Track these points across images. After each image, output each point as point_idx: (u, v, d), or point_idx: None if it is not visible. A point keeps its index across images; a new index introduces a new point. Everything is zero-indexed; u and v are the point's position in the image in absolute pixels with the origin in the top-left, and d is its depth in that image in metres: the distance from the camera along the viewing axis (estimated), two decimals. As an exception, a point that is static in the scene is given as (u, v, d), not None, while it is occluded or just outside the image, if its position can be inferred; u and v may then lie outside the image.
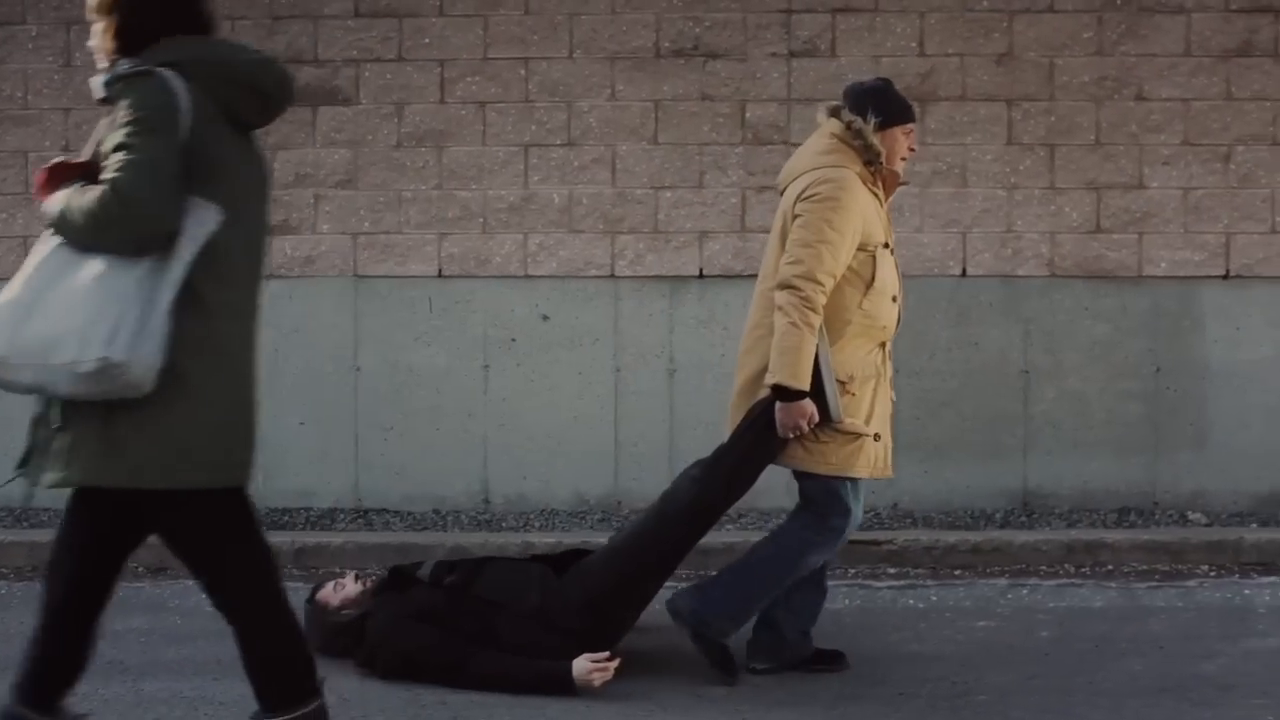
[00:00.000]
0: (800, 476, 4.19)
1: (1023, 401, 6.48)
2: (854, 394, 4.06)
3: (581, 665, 3.98)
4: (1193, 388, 6.49)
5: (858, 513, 4.20)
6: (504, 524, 6.32)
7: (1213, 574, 5.64)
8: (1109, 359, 6.49)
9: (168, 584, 5.41)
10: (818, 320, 3.97)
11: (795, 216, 4.04)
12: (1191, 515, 6.38)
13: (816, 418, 3.99)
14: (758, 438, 4.10)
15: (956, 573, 5.67)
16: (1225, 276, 6.48)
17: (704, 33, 6.47)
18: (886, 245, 4.16)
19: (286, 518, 6.42)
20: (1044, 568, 5.74)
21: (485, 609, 4.14)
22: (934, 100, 6.46)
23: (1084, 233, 6.47)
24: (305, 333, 6.51)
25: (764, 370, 4.06)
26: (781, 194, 4.24)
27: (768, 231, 6.40)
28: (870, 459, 4.12)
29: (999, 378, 6.49)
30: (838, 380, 4.03)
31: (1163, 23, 6.46)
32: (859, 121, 4.11)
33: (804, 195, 4.03)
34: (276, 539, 5.83)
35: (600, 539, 5.88)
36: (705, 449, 6.41)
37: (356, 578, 4.41)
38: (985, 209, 6.47)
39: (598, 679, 3.97)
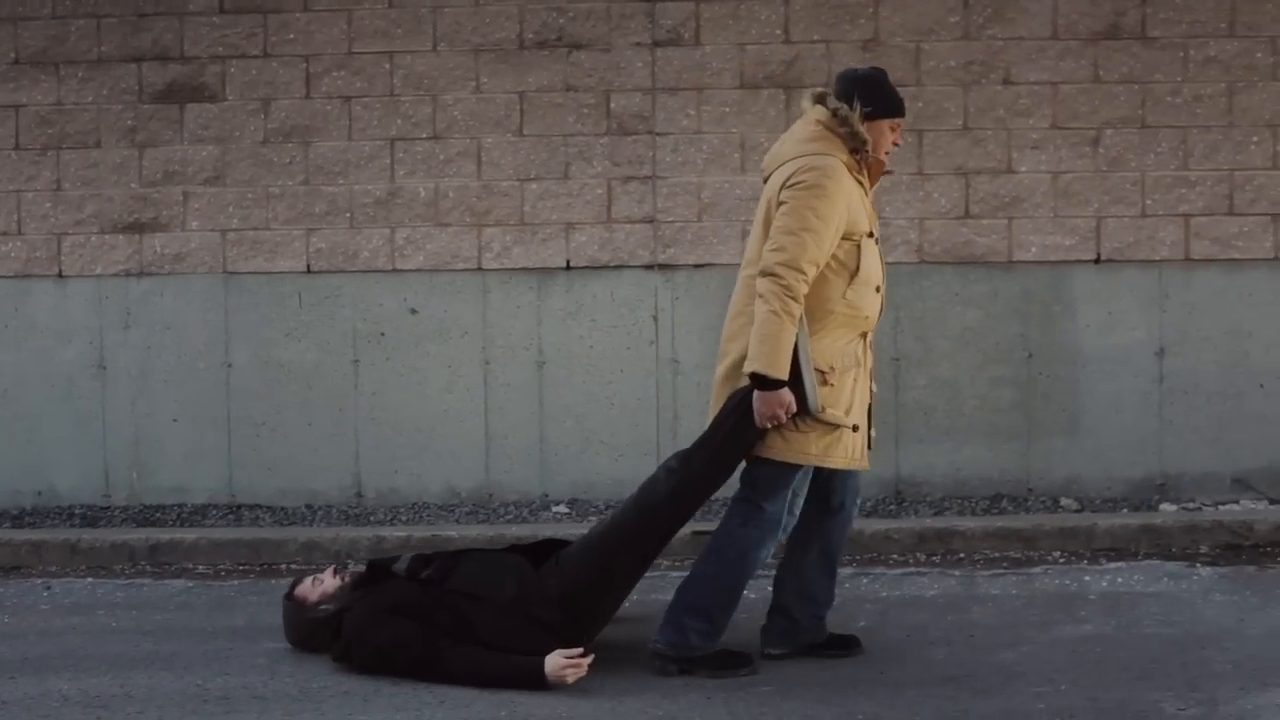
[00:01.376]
0: (749, 464, 4.14)
1: (894, 389, 6.45)
2: (833, 385, 4.02)
3: (555, 661, 3.94)
4: (1065, 373, 6.45)
5: (849, 503, 4.23)
6: (373, 518, 6.33)
7: (1062, 560, 5.61)
8: (980, 345, 6.46)
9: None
10: (798, 309, 3.93)
11: (780, 203, 3.99)
12: (1064, 501, 6.35)
13: (794, 408, 3.96)
14: (735, 427, 4.06)
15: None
16: (1096, 261, 6.43)
17: (568, 23, 6.45)
18: (871, 234, 4.12)
19: (159, 514, 6.44)
20: (895, 556, 5.72)
21: (461, 602, 4.12)
22: (800, 88, 6.39)
23: (953, 218, 6.43)
24: (176, 330, 6.53)
25: (745, 358, 4.01)
26: (765, 181, 4.19)
27: (633, 222, 6.46)
28: (848, 450, 4.10)
29: (869, 365, 6.45)
30: (818, 370, 4.00)
31: (1029, 6, 6.41)
32: (845, 108, 4.06)
33: (789, 182, 3.98)
34: (133, 536, 5.93)
35: (471, 532, 5.94)
36: (575, 441, 6.50)
37: (335, 572, 4.40)
38: (853, 196, 6.43)
39: (571, 675, 3.94)
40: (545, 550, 4.38)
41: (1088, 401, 6.44)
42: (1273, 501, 6.32)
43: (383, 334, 6.50)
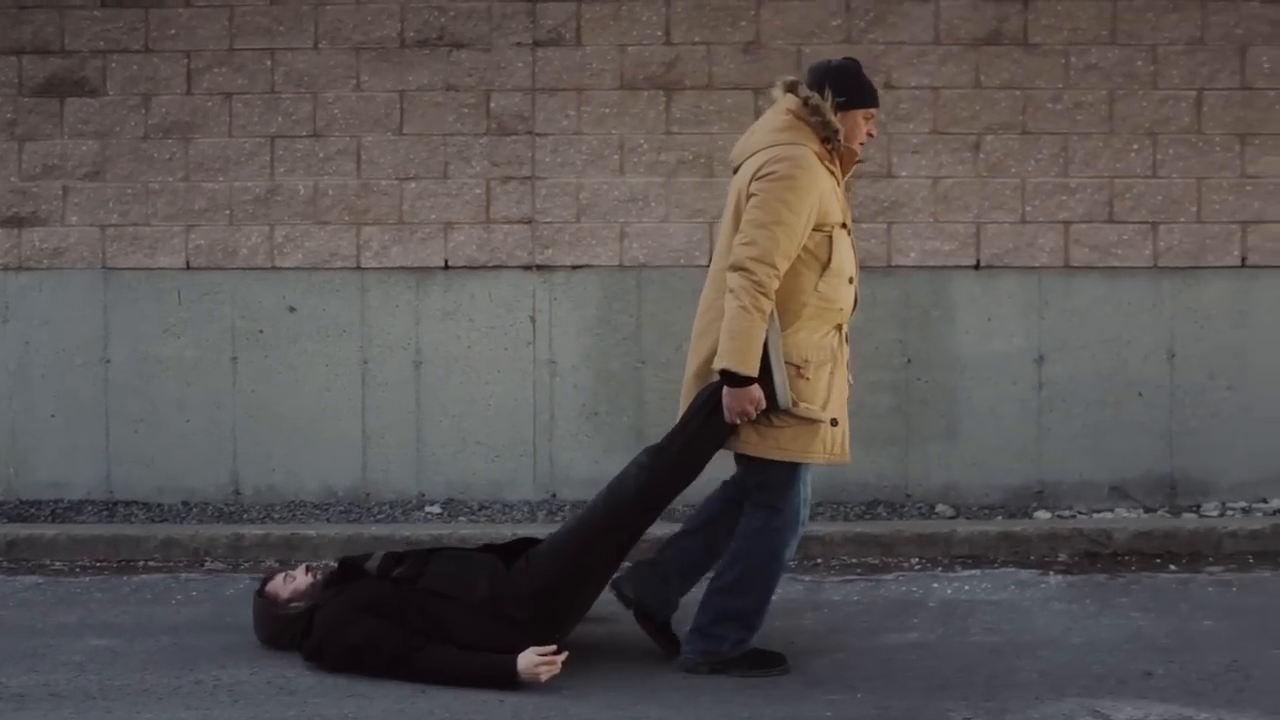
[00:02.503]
0: (748, 468, 4.11)
1: (770, 393, 6.43)
2: (809, 378, 3.98)
3: (528, 659, 3.95)
4: (944, 379, 6.44)
5: (807, 495, 4.19)
6: (247, 515, 6.31)
7: (918, 567, 5.59)
8: (858, 350, 6.32)
9: None
10: (769, 305, 3.89)
11: (750, 195, 3.94)
12: (939, 508, 6.34)
13: (764, 403, 3.93)
14: (705, 423, 4.06)
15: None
16: (976, 266, 6.42)
17: (449, 22, 6.44)
18: (844, 226, 4.08)
19: (34, 510, 6.42)
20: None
21: (433, 601, 4.11)
22: (680, 89, 6.41)
23: (832, 223, 6.40)
24: (55, 325, 6.51)
25: (715, 354, 3.98)
26: (735, 171, 4.14)
27: (511, 223, 6.45)
28: (826, 444, 4.05)
29: (746, 369, 6.43)
30: (793, 364, 3.97)
31: (911, 10, 6.40)
32: (816, 97, 4.01)
33: (760, 173, 3.93)
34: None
35: (347, 531, 5.92)
36: (452, 441, 6.48)
37: (307, 570, 4.38)
38: (732, 199, 6.41)
39: (544, 673, 3.94)
40: (518, 549, 4.36)
41: (966, 408, 6.43)
42: (1148, 510, 6.31)
43: (261, 331, 6.48)
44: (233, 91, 6.47)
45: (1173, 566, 5.56)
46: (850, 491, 6.44)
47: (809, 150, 3.99)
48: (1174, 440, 6.40)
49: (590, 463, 6.45)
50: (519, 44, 6.42)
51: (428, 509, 6.35)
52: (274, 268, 6.48)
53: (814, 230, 3.97)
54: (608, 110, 6.41)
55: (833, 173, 4.08)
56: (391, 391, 6.48)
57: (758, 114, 6.33)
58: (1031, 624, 4.68)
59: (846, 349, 4.16)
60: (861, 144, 4.17)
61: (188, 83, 6.47)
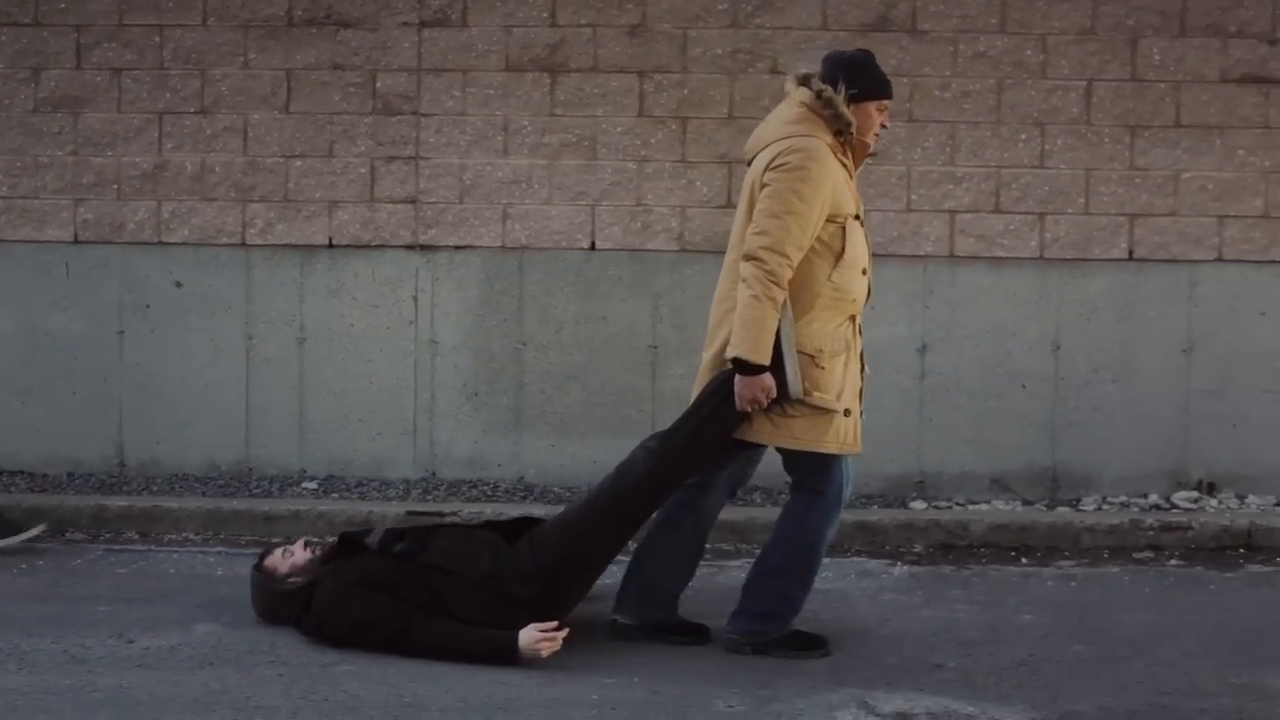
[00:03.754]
0: (786, 456, 4.18)
1: (651, 377, 6.44)
2: (823, 368, 4.00)
3: (529, 635, 3.95)
4: (824, 367, 6.40)
5: (850, 474, 4.23)
6: (127, 487, 6.35)
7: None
8: (739, 336, 6.41)
9: None
10: (781, 294, 3.92)
11: (763, 186, 3.97)
12: (813, 495, 6.31)
13: (775, 392, 3.96)
14: (715, 410, 4.08)
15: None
16: (859, 254, 6.37)
17: (336, 2, 6.44)
18: (856, 217, 4.10)
19: (-81, 479, 6.49)
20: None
21: (434, 577, 4.12)
22: (565, 72, 6.40)
23: (715, 207, 6.39)
24: (-55, 296, 6.57)
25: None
26: (749, 164, 4.17)
27: (395, 202, 6.46)
28: (839, 434, 4.07)
29: (627, 353, 6.44)
30: (807, 354, 3.99)
31: (799, -5, 6.36)
32: (829, 90, 4.03)
33: (773, 164, 3.97)
34: None
35: (229, 505, 5.97)
36: (334, 418, 6.51)
37: (305, 545, 4.40)
38: (615, 182, 6.40)
39: (545, 649, 3.95)
40: (520, 527, 4.38)
41: (846, 396, 6.39)
42: (1027, 503, 6.28)
43: (148, 306, 6.52)
44: (122, 67, 6.50)
45: (1025, 560, 5.53)
46: (728, 477, 6.42)
47: (821, 142, 4.00)
48: (1057, 433, 6.36)
49: (470, 443, 6.47)
50: (405, 24, 6.42)
51: (304, 485, 6.38)
52: (161, 243, 6.51)
53: (827, 221, 3.99)
54: (492, 91, 6.40)
55: (845, 165, 4.09)
56: (275, 368, 6.51)
57: (642, 98, 6.36)
58: (852, 614, 4.67)
59: (860, 340, 4.18)
60: (876, 135, 4.19)
61: (77, 57, 6.51)
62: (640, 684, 3.88)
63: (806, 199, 3.91)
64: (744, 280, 3.93)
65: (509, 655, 3.95)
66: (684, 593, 4.40)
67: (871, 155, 4.28)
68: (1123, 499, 6.30)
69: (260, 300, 6.50)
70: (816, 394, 3.99)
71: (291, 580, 4.31)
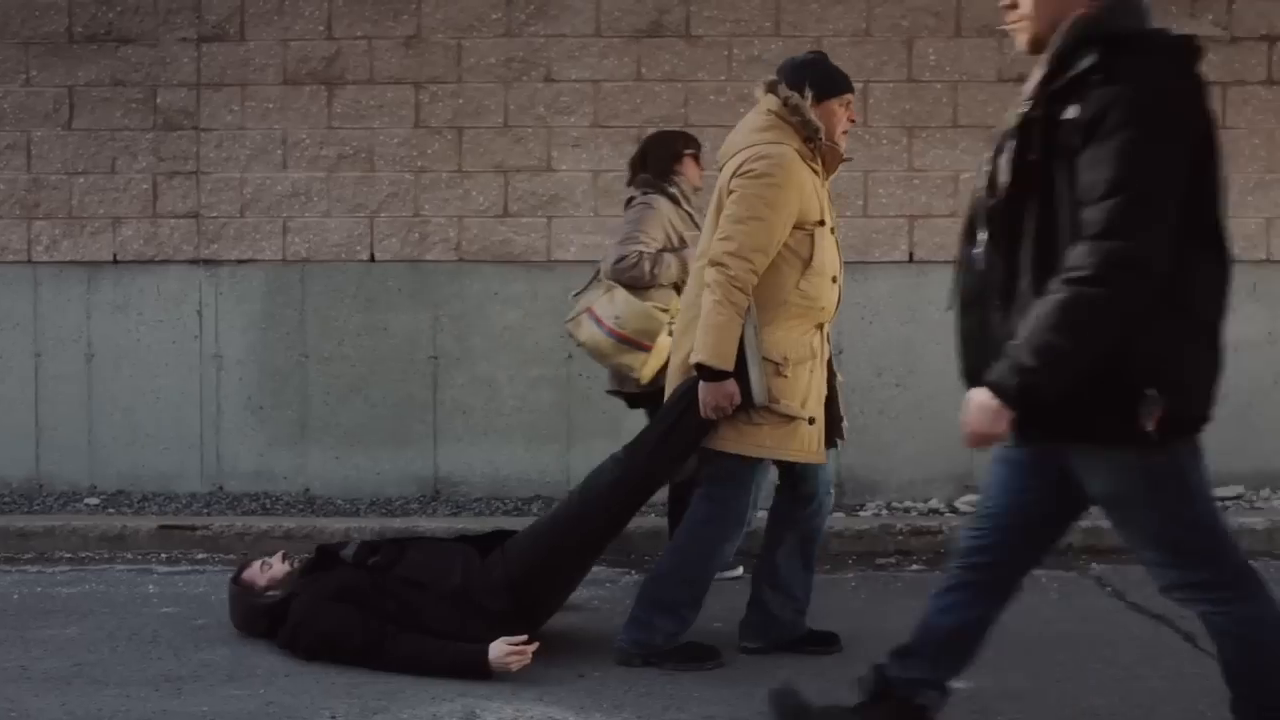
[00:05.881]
0: (707, 457, 4.12)
1: (432, 387, 6.43)
2: (787, 376, 3.97)
3: (499, 648, 3.92)
4: (605, 374, 6.36)
5: (822, 494, 4.22)
6: (-84, 506, 6.40)
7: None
8: (519, 345, 6.41)
9: None
10: (745, 300, 3.89)
11: (730, 192, 3.95)
12: (593, 504, 6.29)
13: (739, 399, 3.94)
14: (681, 418, 4.04)
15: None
16: (638, 261, 6.35)
17: (116, 18, 6.48)
18: (826, 224, 4.06)
19: None
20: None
21: (407, 590, 4.11)
22: (341, 84, 6.41)
23: (492, 216, 6.39)
24: None
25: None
26: (720, 171, 4.16)
27: (178, 217, 6.48)
28: (803, 442, 4.03)
29: (408, 364, 6.44)
30: (772, 361, 3.96)
31: (572, 3, 6.35)
32: (795, 97, 4.01)
33: (740, 171, 3.94)
34: None
35: (18, 523, 5.98)
36: (124, 433, 6.53)
37: (284, 558, 4.41)
38: (392, 193, 6.41)
39: (515, 663, 3.91)
40: (493, 542, 4.36)
41: (628, 404, 6.36)
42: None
43: (-62, 324, 6.58)
44: (-92, 87, 6.56)
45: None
46: (512, 486, 6.42)
47: (789, 149, 3.98)
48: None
49: (255, 455, 6.48)
50: (184, 39, 6.45)
51: (86, 500, 6.40)
52: (-51, 261, 6.56)
53: (795, 228, 3.95)
54: (271, 105, 6.42)
55: (815, 171, 4.06)
56: (64, 384, 6.54)
57: (418, 108, 6.36)
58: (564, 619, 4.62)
59: (827, 348, 4.15)
60: (844, 133, 4.15)
61: None
62: (262, 695, 3.86)
63: (773, 205, 3.88)
64: (708, 286, 3.90)
65: (479, 668, 3.91)
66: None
67: (846, 160, 4.22)
68: (908, 503, 6.24)
69: (48, 317, 6.54)
70: (782, 401, 3.96)
71: (269, 594, 4.29)
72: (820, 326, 4.06)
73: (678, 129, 5.47)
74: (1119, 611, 4.84)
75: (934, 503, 6.21)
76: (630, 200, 5.18)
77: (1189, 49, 2.66)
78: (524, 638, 3.96)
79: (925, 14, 6.27)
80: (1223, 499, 6.23)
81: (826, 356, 4.12)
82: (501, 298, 6.39)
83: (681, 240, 5.05)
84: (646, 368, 4.95)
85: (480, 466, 6.42)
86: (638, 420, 6.24)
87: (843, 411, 4.27)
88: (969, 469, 6.28)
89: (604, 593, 5.03)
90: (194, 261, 6.47)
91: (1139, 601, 4.91)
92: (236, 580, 4.40)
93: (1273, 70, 6.33)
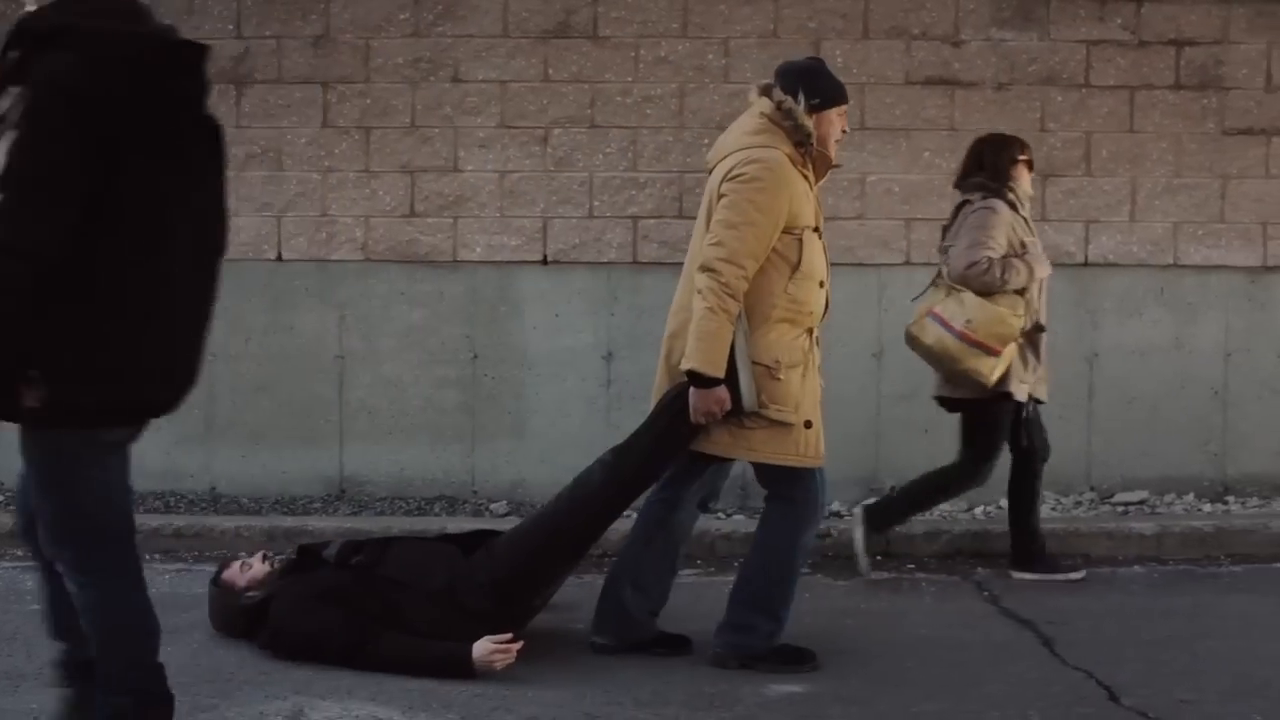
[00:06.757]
0: (757, 469, 4.14)
1: (338, 387, 6.43)
2: (780, 379, 3.96)
3: (483, 647, 3.94)
4: (510, 375, 6.39)
5: (710, 504, 4.29)
6: None
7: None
8: (425, 345, 6.41)
9: None
10: (736, 306, 3.89)
11: (721, 196, 3.96)
12: (493, 505, 6.29)
13: (729, 404, 3.94)
14: (670, 423, 4.05)
15: (156, 556, 5.62)
16: (544, 262, 6.36)
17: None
18: (815, 229, 4.06)
19: None
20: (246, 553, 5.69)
21: (391, 589, 4.11)
22: (249, 83, 6.41)
23: (398, 216, 6.39)
24: None
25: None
26: (710, 173, 4.17)
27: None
28: (800, 446, 4.03)
29: (314, 363, 6.44)
30: (763, 365, 3.96)
31: (480, 3, 6.35)
32: (789, 101, 4.01)
33: (730, 175, 3.95)
34: None
35: None
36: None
37: (264, 558, 4.40)
38: (300, 192, 6.41)
39: (499, 661, 3.94)
40: (477, 541, 4.38)
41: (533, 404, 6.37)
42: (725, 515, 6.20)
43: None
44: None
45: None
46: (416, 486, 6.42)
47: (780, 153, 3.97)
48: (747, 440, 6.27)
49: (162, 454, 6.44)
50: (94, 37, 6.45)
51: (-9, 498, 6.42)
52: None
53: (784, 233, 3.94)
54: (179, 103, 6.42)
55: (805, 176, 4.05)
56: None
57: (326, 108, 6.37)
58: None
59: (818, 352, 4.14)
60: (838, 141, 4.15)
61: None
62: (192, 690, 3.83)
63: (763, 209, 3.88)
64: (699, 292, 3.89)
65: (463, 668, 3.92)
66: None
67: (835, 166, 4.21)
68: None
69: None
70: (774, 406, 3.95)
71: (250, 594, 4.27)
72: (810, 331, 4.05)
73: (1010, 134, 5.37)
74: (989, 616, 4.83)
75: (835, 505, 6.18)
76: (964, 203, 5.16)
77: (117, 45, 2.75)
78: (508, 636, 3.97)
79: (833, 15, 6.26)
80: (1126, 504, 6.21)
81: (818, 361, 4.12)
82: (408, 298, 6.39)
83: (1023, 245, 5.05)
84: (995, 373, 4.94)
85: (385, 466, 6.42)
86: (544, 425, 6.27)
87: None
88: (874, 471, 6.29)
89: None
90: (103, 259, 6.47)
91: (1011, 606, 4.90)
92: (216, 581, 4.37)
93: (1180, 75, 6.30)
